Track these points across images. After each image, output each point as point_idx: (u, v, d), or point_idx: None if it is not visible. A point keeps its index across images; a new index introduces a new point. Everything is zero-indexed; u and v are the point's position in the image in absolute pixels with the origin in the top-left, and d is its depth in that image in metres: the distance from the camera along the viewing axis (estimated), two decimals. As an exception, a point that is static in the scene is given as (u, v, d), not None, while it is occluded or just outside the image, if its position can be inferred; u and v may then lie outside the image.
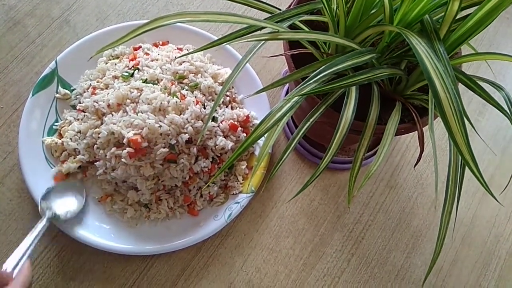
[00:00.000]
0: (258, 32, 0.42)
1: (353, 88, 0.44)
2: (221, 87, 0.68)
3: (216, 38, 0.71)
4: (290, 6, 0.55)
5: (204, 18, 0.37)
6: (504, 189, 0.56)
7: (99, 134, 0.59)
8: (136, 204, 0.61)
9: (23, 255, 0.52)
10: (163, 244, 0.59)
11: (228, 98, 0.69)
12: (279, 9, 0.47)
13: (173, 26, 0.71)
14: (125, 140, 0.56)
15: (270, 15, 0.46)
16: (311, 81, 0.39)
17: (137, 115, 0.58)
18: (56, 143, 0.64)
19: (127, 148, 0.56)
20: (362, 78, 0.41)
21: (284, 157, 0.44)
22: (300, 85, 0.40)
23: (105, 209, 0.62)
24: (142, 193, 0.60)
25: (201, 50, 0.41)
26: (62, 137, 0.64)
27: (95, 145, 0.60)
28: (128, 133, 0.56)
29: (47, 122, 0.65)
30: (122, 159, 0.56)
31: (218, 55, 0.72)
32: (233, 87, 0.72)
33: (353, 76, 0.41)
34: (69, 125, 0.65)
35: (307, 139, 0.69)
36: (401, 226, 0.67)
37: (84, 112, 0.64)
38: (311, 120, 0.46)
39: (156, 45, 0.72)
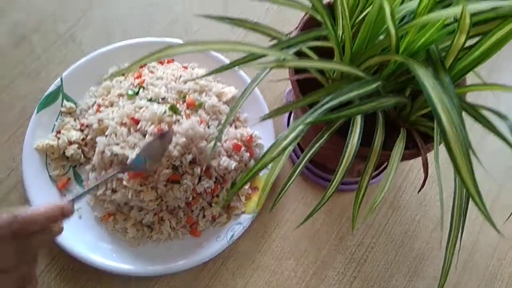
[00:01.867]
0: (265, 58, 0.42)
1: (359, 116, 0.44)
2: (226, 105, 0.68)
3: (220, 56, 0.72)
4: (297, 27, 0.55)
5: (214, 47, 0.37)
6: (508, 219, 0.55)
7: (103, 152, 0.59)
8: (139, 224, 0.61)
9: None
10: (165, 265, 0.59)
11: (232, 117, 0.69)
12: (282, 33, 0.47)
13: (177, 43, 0.72)
14: (129, 161, 0.56)
15: (273, 39, 0.47)
16: (316, 111, 0.39)
17: (143, 135, 0.58)
18: (52, 145, 0.64)
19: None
20: (367, 108, 0.41)
21: (288, 184, 0.44)
22: (305, 114, 0.40)
23: (107, 228, 0.62)
24: (145, 213, 0.60)
25: (210, 75, 0.42)
26: (59, 139, 0.64)
27: (98, 164, 0.60)
28: (131, 154, 0.56)
29: (51, 139, 0.65)
30: (124, 182, 0.56)
31: (222, 73, 0.72)
32: (237, 106, 0.72)
33: (358, 105, 0.41)
34: (69, 131, 0.65)
35: (311, 160, 0.69)
36: (404, 249, 0.67)
37: (88, 127, 0.65)
38: (316, 146, 0.46)
39: (161, 63, 0.72)
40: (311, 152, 0.46)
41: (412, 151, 0.50)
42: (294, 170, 0.45)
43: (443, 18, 0.37)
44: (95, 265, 0.58)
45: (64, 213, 0.45)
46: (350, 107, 0.41)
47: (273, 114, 0.43)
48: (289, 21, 0.81)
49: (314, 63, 0.42)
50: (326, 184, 0.69)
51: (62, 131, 0.65)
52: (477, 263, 0.67)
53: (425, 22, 0.38)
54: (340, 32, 0.47)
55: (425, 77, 0.36)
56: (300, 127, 0.41)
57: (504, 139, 0.40)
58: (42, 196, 0.61)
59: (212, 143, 0.62)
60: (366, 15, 0.48)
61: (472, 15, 0.36)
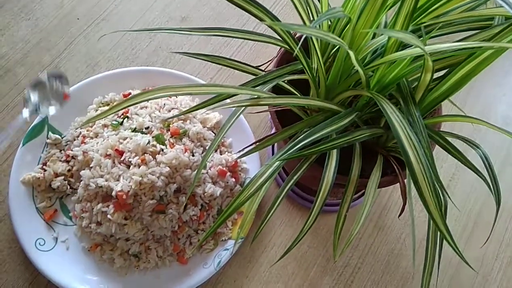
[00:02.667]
0: (241, 96, 0.43)
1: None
2: (210, 132, 0.69)
3: (204, 82, 0.73)
4: (271, 60, 0.56)
5: (186, 91, 0.38)
6: (485, 242, 0.56)
7: (87, 186, 0.59)
8: (126, 254, 0.62)
9: None
10: (152, 293, 0.60)
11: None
12: (258, 68, 0.48)
13: (162, 72, 0.73)
14: (113, 193, 0.57)
15: (251, 75, 0.48)
16: (291, 148, 0.40)
17: (127, 167, 0.59)
18: (39, 178, 0.64)
19: (112, 201, 0.57)
20: (342, 141, 0.42)
21: (271, 212, 0.45)
22: (280, 151, 0.41)
23: (95, 258, 0.62)
24: (132, 243, 0.61)
25: (191, 111, 0.42)
26: (46, 171, 0.65)
27: (84, 197, 0.60)
28: (116, 186, 0.57)
29: (38, 171, 0.66)
30: (108, 216, 0.57)
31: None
32: (221, 131, 0.72)
33: (333, 140, 0.42)
34: (55, 163, 0.66)
35: (297, 183, 0.70)
36: (390, 268, 0.68)
37: (73, 158, 0.65)
38: (296, 175, 0.47)
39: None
40: (292, 180, 0.47)
41: (390, 177, 0.51)
42: (277, 198, 0.45)
43: (408, 57, 0.38)
44: (83, 297, 0.58)
45: None
46: (324, 143, 0.42)
47: (255, 149, 0.44)
48: (266, 50, 0.81)
49: (288, 100, 0.43)
50: (311, 206, 0.70)
51: (48, 163, 0.66)
52: (463, 279, 0.68)
53: (393, 59, 0.40)
54: (314, 65, 0.48)
55: (392, 114, 0.37)
56: (277, 163, 0.42)
57: (474, 169, 0.41)
58: (29, 228, 0.62)
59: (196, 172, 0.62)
60: (339, 48, 0.49)
61: (436, 53, 0.38)
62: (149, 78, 0.73)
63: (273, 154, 0.73)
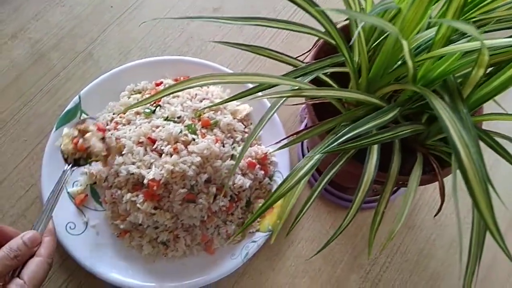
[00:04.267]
0: (281, 87, 0.43)
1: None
2: (240, 123, 0.69)
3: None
4: (309, 51, 0.55)
5: (230, 80, 0.38)
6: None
7: (118, 173, 0.59)
8: (154, 241, 0.62)
9: (49, 215, 0.55)
10: (179, 282, 0.60)
11: (246, 135, 0.69)
12: (301, 61, 0.48)
13: (193, 62, 0.73)
14: (145, 181, 0.57)
15: (290, 66, 0.47)
16: (332, 141, 0.39)
17: (159, 155, 0.59)
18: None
19: (142, 190, 0.57)
20: (384, 137, 0.41)
21: (304, 210, 0.44)
22: (321, 143, 0.40)
23: (124, 244, 0.62)
24: (161, 231, 0.61)
25: (229, 101, 0.42)
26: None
27: (114, 183, 0.61)
28: (148, 173, 0.57)
29: (70, 156, 0.66)
30: (137, 205, 0.57)
31: (237, 91, 0.73)
32: (251, 123, 0.72)
33: (374, 135, 0.41)
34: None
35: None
36: (419, 268, 0.66)
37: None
38: (332, 171, 0.46)
39: (177, 81, 0.73)
40: (328, 176, 0.46)
41: (429, 176, 0.50)
42: (310, 195, 0.44)
43: (458, 52, 0.37)
44: (110, 281, 0.59)
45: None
46: (366, 137, 0.41)
47: (292, 142, 0.43)
48: (299, 43, 0.80)
49: (330, 92, 0.42)
50: (340, 202, 0.69)
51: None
52: (495, 281, 0.66)
53: (442, 53, 0.38)
54: (356, 58, 0.47)
55: (442, 110, 0.36)
56: (317, 156, 0.41)
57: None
58: (60, 212, 0.62)
59: (229, 162, 0.62)
60: (383, 39, 0.48)
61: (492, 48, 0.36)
62: (181, 68, 0.72)
63: (302, 149, 0.73)
